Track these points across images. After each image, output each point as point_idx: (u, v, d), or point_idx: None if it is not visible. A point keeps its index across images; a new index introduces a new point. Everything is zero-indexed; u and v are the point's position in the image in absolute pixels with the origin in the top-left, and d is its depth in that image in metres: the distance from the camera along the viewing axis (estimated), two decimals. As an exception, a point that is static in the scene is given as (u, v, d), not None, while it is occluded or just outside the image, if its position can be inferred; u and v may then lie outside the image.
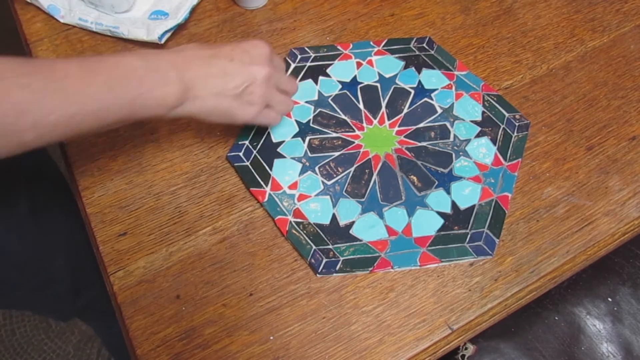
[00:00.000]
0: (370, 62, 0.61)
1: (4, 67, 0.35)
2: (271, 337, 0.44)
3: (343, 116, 0.57)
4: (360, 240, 0.49)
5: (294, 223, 0.49)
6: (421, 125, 0.56)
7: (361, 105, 0.58)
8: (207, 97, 0.44)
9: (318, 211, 0.50)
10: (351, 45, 0.62)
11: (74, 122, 0.38)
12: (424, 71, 0.60)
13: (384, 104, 0.58)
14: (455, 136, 0.56)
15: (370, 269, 0.47)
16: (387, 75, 0.60)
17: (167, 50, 0.44)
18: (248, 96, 0.46)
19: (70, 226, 0.66)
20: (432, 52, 0.62)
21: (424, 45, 0.63)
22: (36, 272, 0.63)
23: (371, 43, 0.62)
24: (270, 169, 0.53)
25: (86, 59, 0.40)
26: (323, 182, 0.52)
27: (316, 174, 0.53)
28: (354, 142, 0.55)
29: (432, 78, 0.60)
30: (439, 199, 0.51)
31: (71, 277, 0.70)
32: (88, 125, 0.39)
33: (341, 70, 0.60)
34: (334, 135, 0.55)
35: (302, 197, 0.51)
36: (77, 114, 0.37)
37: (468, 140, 0.55)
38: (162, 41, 0.60)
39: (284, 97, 0.50)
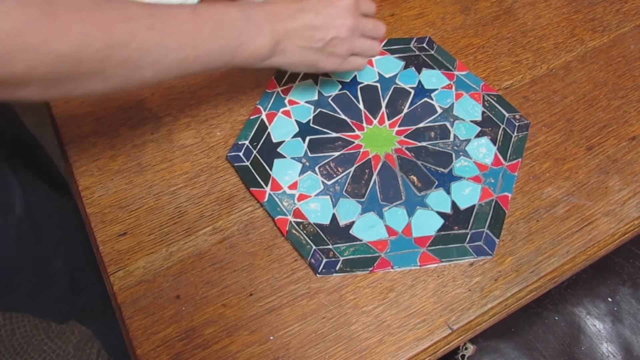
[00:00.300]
0: (370, 62, 0.61)
1: (134, 8, 0.38)
2: (271, 337, 0.44)
3: (343, 116, 0.57)
4: (360, 240, 0.49)
5: (294, 223, 0.49)
6: (421, 125, 0.56)
7: (361, 106, 0.58)
8: (294, 51, 0.47)
9: (318, 211, 0.50)
10: (351, 45, 0.62)
11: (185, 64, 0.41)
12: (424, 71, 0.60)
13: (384, 104, 0.58)
14: (455, 136, 0.56)
15: (370, 269, 0.47)
16: (387, 75, 0.60)
17: (259, 3, 0.46)
18: (332, 48, 0.48)
19: (69, 226, 0.66)
20: (432, 52, 0.62)
21: (424, 45, 0.63)
22: (35, 273, 0.63)
23: (371, 43, 0.62)
24: (270, 169, 0.53)
25: (197, 7, 0.42)
26: (323, 182, 0.52)
27: (316, 174, 0.53)
28: (354, 142, 0.55)
29: (432, 78, 0.60)
30: (439, 199, 0.51)
31: (70, 277, 0.70)
32: (195, 69, 0.42)
33: (341, 70, 0.60)
34: (334, 135, 0.55)
35: (302, 197, 0.51)
36: (188, 57, 0.41)
37: (468, 140, 0.55)
38: (162, 41, 0.60)
39: (369, 43, 0.51)
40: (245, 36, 0.44)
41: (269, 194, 0.51)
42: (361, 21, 0.49)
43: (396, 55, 0.62)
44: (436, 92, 0.59)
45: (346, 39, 0.48)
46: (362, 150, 0.54)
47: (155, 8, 0.39)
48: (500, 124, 0.56)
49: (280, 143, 0.55)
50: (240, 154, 0.54)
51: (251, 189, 0.51)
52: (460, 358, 0.58)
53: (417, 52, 0.62)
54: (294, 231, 0.49)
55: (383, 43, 0.62)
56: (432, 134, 0.56)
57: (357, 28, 0.49)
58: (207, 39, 0.42)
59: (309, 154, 0.54)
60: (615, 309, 0.63)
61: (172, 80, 0.47)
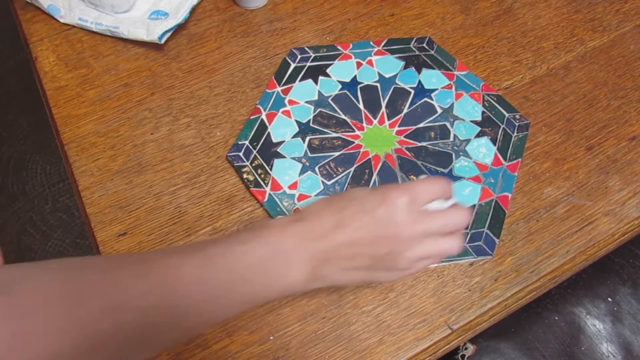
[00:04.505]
0: (370, 62, 0.61)
1: (123, 286, 0.30)
2: (271, 337, 0.44)
3: (343, 116, 0.57)
4: (360, 240, 0.49)
5: (294, 223, 0.49)
6: (421, 125, 0.56)
7: (361, 105, 0.58)
8: (337, 274, 0.37)
9: (318, 211, 0.50)
10: (351, 45, 0.62)
11: (200, 327, 0.34)
12: (424, 71, 0.60)
13: (384, 104, 0.58)
14: (455, 136, 0.56)
15: (370, 269, 0.47)
16: (387, 75, 0.60)
17: (292, 220, 0.36)
18: (388, 264, 0.37)
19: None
20: (432, 52, 0.62)
21: (424, 45, 0.63)
22: None
23: (371, 43, 0.62)
24: (270, 169, 0.53)
25: (211, 248, 0.34)
26: (323, 182, 0.52)
27: (316, 174, 0.53)
28: (354, 142, 0.55)
29: (432, 78, 0.60)
30: (439, 199, 0.51)
31: None
32: (215, 322, 0.35)
33: (341, 70, 0.60)
34: (334, 135, 0.55)
35: (302, 197, 0.51)
36: (194, 326, 0.33)
37: (468, 140, 0.55)
38: (162, 41, 0.60)
39: (442, 245, 0.37)
40: (274, 275, 0.35)
41: (269, 194, 0.51)
42: (424, 221, 0.36)
43: (396, 55, 0.62)
44: (436, 92, 0.59)
45: (405, 250, 0.36)
46: (362, 150, 0.54)
47: (152, 275, 0.32)
48: (500, 124, 0.56)
49: (280, 143, 0.55)
50: (240, 154, 0.54)
51: (251, 189, 0.51)
52: (460, 358, 0.58)
53: (417, 52, 0.62)
54: (294, 231, 0.49)
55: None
56: (432, 134, 0.56)
57: (419, 233, 0.36)
58: (227, 295, 0.33)
59: (309, 154, 0.54)
60: (615, 309, 0.63)
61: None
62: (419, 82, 0.60)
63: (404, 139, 0.55)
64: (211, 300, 0.33)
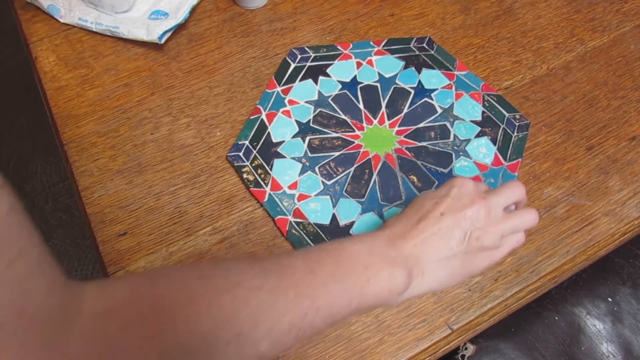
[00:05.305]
0: (370, 62, 0.61)
1: (237, 271, 0.33)
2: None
3: (343, 116, 0.57)
4: (360, 240, 0.49)
5: (294, 223, 0.49)
6: (421, 125, 0.56)
7: (361, 105, 0.58)
8: (436, 268, 0.38)
9: (318, 211, 0.50)
10: (351, 45, 0.62)
11: (307, 322, 0.34)
12: (424, 71, 0.60)
13: (384, 104, 0.58)
14: (455, 136, 0.56)
15: (370, 269, 0.47)
16: (387, 75, 0.60)
17: (376, 231, 0.39)
18: (477, 242, 0.38)
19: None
20: (432, 52, 0.62)
21: (424, 45, 0.63)
22: None
23: (371, 43, 0.62)
24: (270, 169, 0.53)
25: (309, 251, 0.37)
26: (323, 182, 0.52)
27: (316, 174, 0.53)
28: (354, 142, 0.55)
29: (432, 78, 0.60)
30: (439, 199, 0.51)
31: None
32: (319, 324, 0.35)
33: (341, 70, 0.60)
34: (334, 135, 0.55)
35: (302, 197, 0.51)
36: (308, 312, 0.33)
37: (468, 140, 0.55)
38: (162, 41, 0.60)
39: (516, 215, 0.40)
40: (371, 271, 0.35)
41: (269, 194, 0.51)
42: (492, 196, 0.40)
43: (396, 55, 0.62)
44: (436, 92, 0.59)
45: (489, 224, 0.38)
46: (362, 150, 0.54)
47: (265, 264, 0.34)
48: (500, 124, 0.56)
49: (280, 143, 0.55)
50: (240, 154, 0.54)
51: (251, 189, 0.51)
52: (460, 358, 0.58)
53: (417, 52, 0.62)
54: (294, 231, 0.49)
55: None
56: (432, 134, 0.56)
57: (492, 207, 0.39)
58: (325, 286, 0.34)
59: (309, 154, 0.54)
60: (615, 309, 0.63)
61: (302, 343, 0.42)
62: (419, 82, 0.60)
63: (404, 139, 0.55)
64: (307, 290, 0.34)
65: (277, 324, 0.32)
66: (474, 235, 0.38)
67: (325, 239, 0.48)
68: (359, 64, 0.61)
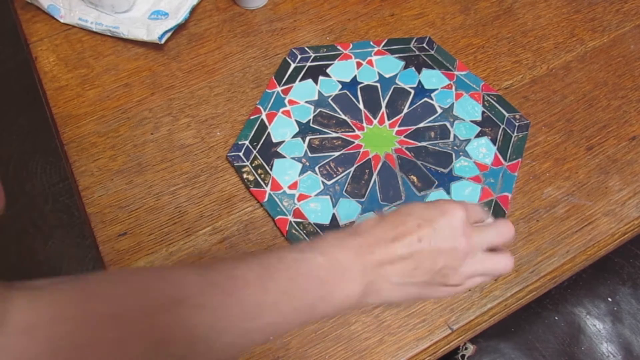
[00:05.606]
0: (370, 62, 0.61)
1: (181, 285, 0.31)
2: (271, 337, 0.44)
3: (343, 116, 0.57)
4: (360, 240, 0.49)
5: (294, 223, 0.49)
6: (421, 125, 0.56)
7: (361, 105, 0.58)
8: (392, 289, 0.36)
9: (318, 211, 0.50)
10: (351, 45, 0.62)
11: (247, 339, 0.33)
12: (424, 71, 0.60)
13: (384, 104, 0.58)
14: (455, 136, 0.56)
15: (370, 269, 0.47)
16: (387, 75, 0.60)
17: (348, 234, 0.36)
18: (442, 279, 0.36)
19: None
20: (432, 52, 0.62)
21: (424, 45, 0.63)
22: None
23: (371, 43, 0.62)
24: (270, 169, 0.53)
25: (269, 257, 0.34)
26: (323, 182, 0.52)
27: (316, 174, 0.53)
28: (354, 142, 0.55)
29: (432, 78, 0.60)
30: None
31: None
32: (259, 340, 0.34)
33: (341, 70, 0.60)
34: (334, 135, 0.55)
35: (302, 197, 0.51)
36: (250, 331, 0.32)
37: (468, 140, 0.55)
38: (162, 41, 0.60)
39: (494, 261, 0.38)
40: (329, 286, 0.34)
41: (269, 194, 0.51)
42: (477, 235, 0.37)
43: (396, 55, 0.62)
44: (436, 92, 0.59)
45: (460, 266, 0.36)
46: (362, 150, 0.54)
47: (215, 276, 0.32)
48: (500, 124, 0.56)
49: (280, 143, 0.55)
50: (240, 154, 0.54)
51: (251, 189, 0.51)
52: (460, 358, 0.58)
53: (417, 52, 0.62)
54: (294, 231, 0.49)
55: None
56: (432, 134, 0.56)
57: (474, 247, 0.36)
58: (275, 302, 0.32)
59: (309, 154, 0.54)
60: (615, 309, 0.63)
61: (239, 355, 0.42)
62: (419, 82, 0.60)
63: (404, 139, 0.55)
64: (253, 309, 0.32)
65: (215, 343, 0.31)
66: (442, 272, 0.36)
67: (325, 239, 0.48)
68: (359, 64, 0.61)
